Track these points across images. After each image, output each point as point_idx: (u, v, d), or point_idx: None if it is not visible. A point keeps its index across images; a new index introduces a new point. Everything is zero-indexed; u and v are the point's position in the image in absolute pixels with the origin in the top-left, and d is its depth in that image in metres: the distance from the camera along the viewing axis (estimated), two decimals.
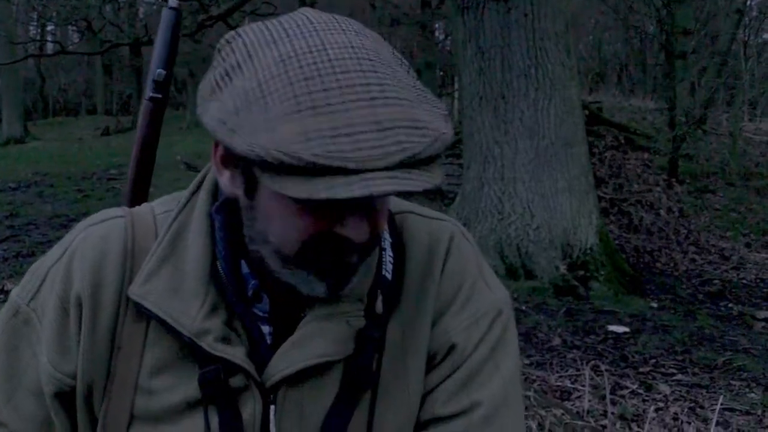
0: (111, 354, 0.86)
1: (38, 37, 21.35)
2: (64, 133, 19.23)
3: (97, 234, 0.88)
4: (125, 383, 0.85)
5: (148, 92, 1.15)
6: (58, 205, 8.10)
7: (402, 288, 0.89)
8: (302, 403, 0.84)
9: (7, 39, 14.91)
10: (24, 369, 0.88)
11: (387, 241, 0.90)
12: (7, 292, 4.77)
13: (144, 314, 0.85)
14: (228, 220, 0.83)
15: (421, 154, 0.68)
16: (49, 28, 22.64)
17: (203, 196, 0.88)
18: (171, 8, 1.17)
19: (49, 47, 20.60)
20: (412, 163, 0.67)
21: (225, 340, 0.83)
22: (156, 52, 1.16)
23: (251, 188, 0.78)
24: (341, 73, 0.69)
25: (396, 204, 0.96)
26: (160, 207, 0.92)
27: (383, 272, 0.88)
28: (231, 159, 0.78)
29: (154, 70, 1.14)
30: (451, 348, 0.88)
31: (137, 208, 0.93)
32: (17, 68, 17.12)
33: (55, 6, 11.68)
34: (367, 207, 0.76)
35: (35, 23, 21.08)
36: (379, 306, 0.86)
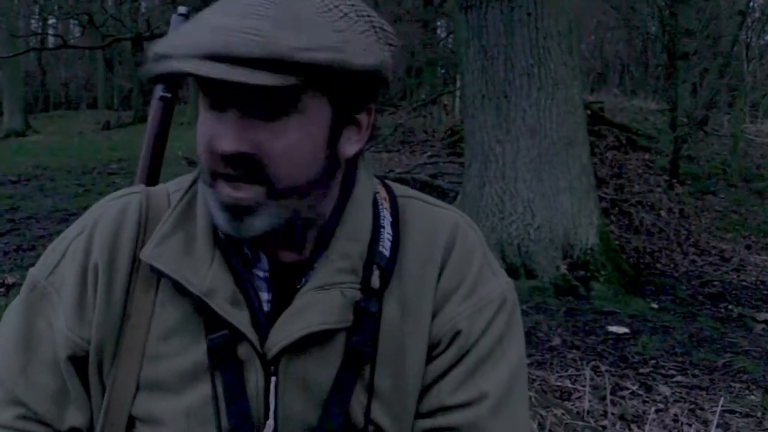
0: (122, 323, 0.88)
1: (40, 31, 21.29)
2: (65, 127, 19.22)
3: (116, 208, 0.92)
4: (133, 351, 0.87)
5: (158, 92, 1.19)
6: (59, 199, 8.10)
7: (401, 267, 0.89)
8: (305, 376, 0.85)
9: (9, 32, 14.90)
10: (39, 340, 0.90)
11: (387, 220, 0.91)
12: (8, 286, 4.76)
13: (153, 281, 0.88)
14: None
15: (231, 52, 0.71)
16: (50, 21, 22.59)
17: None
18: (180, 14, 1.22)
19: (51, 41, 20.58)
20: (223, 59, 0.71)
21: (233, 301, 0.84)
22: None
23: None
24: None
25: (400, 190, 0.97)
26: (174, 186, 0.97)
27: (380, 248, 0.88)
28: None
29: None
30: (456, 334, 0.89)
31: (152, 187, 0.98)
32: (19, 61, 17.12)
33: (57, 0, 11.65)
34: (242, 122, 0.78)
35: (37, 17, 21.05)
36: (375, 281, 0.87)
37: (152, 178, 1.19)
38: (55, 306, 0.90)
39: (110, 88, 27.00)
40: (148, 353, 0.87)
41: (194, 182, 0.93)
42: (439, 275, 0.90)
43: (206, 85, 0.78)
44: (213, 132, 0.79)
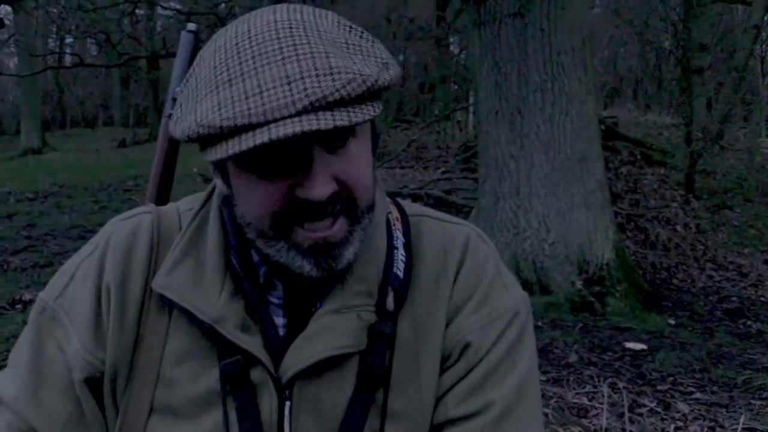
0: (135, 345, 0.87)
1: (57, 50, 21.59)
2: (82, 145, 19.41)
3: (127, 228, 0.92)
4: (146, 374, 0.87)
5: (168, 109, 1.21)
6: (75, 215, 8.16)
7: (414, 287, 0.89)
8: (319, 399, 0.84)
9: (27, 51, 15.10)
10: (50, 364, 0.88)
11: (399, 241, 0.91)
12: (24, 302, 4.79)
13: (166, 306, 0.87)
14: (231, 212, 0.87)
15: (329, 96, 0.71)
16: (67, 40, 22.89)
17: (218, 192, 0.92)
18: (189, 31, 1.24)
19: (68, 59, 20.83)
20: (321, 107, 0.71)
21: (244, 327, 0.84)
22: (175, 72, 1.22)
23: (224, 175, 0.84)
24: (257, 45, 0.74)
25: (412, 208, 0.98)
26: (185, 205, 0.96)
27: (394, 270, 0.88)
28: None
29: (174, 88, 1.19)
30: (466, 347, 0.88)
31: (163, 206, 0.97)
32: (36, 80, 17.34)
33: (74, 19, 11.82)
34: (322, 161, 0.77)
35: (54, 36, 21.33)
36: (390, 302, 0.86)
37: (163, 195, 1.20)
38: (66, 328, 0.88)
39: (126, 106, 27.29)
40: (162, 377, 0.86)
41: (206, 202, 0.92)
42: (452, 288, 0.90)
43: (274, 148, 0.75)
44: (281, 190, 0.77)
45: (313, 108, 0.70)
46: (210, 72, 0.76)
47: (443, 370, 0.89)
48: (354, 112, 0.72)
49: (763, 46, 17.26)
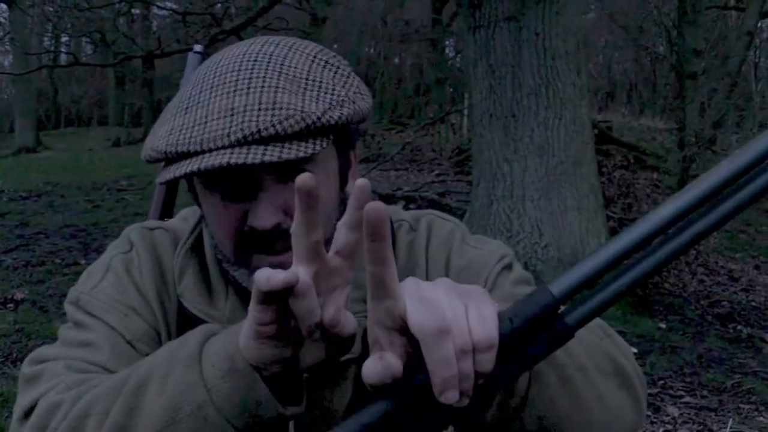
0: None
1: (52, 48, 21.53)
2: (76, 144, 19.36)
3: (151, 238, 0.95)
4: None
5: None
6: (69, 215, 8.13)
7: None
8: (321, 405, 0.87)
9: (22, 49, 15.07)
10: (113, 338, 0.86)
11: None
12: (16, 301, 4.77)
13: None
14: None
15: (263, 131, 0.73)
16: (63, 39, 22.84)
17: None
18: (197, 52, 1.28)
19: (63, 58, 20.79)
20: (255, 140, 0.73)
21: None
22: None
23: (195, 195, 0.88)
24: (219, 75, 0.78)
25: (394, 213, 1.00)
26: (190, 219, 0.99)
27: None
28: None
29: None
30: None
31: (170, 222, 1.01)
32: (31, 78, 17.28)
33: (69, 18, 11.80)
34: (271, 192, 0.79)
35: (50, 34, 21.29)
36: None
37: (168, 205, 1.22)
38: (106, 311, 0.87)
39: (121, 106, 27.22)
40: None
41: (203, 216, 0.93)
42: (426, 272, 0.93)
43: (230, 174, 0.77)
44: (236, 216, 0.80)
45: (246, 141, 0.73)
46: (181, 98, 0.80)
47: None
48: (289, 149, 0.74)
49: (757, 52, 17.33)
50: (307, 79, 0.78)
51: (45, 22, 17.90)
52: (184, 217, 1.00)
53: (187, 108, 0.77)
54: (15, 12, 16.01)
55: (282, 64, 0.78)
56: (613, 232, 6.57)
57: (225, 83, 0.76)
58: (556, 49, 5.20)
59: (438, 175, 9.88)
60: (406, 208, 7.82)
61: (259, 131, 0.73)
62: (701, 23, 11.13)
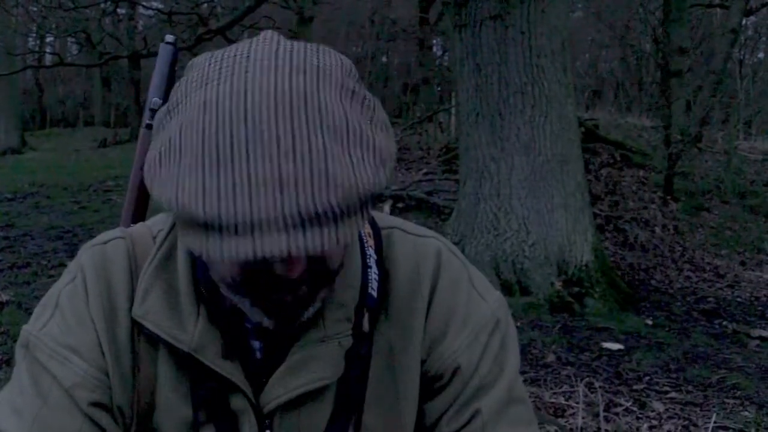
0: (133, 372, 0.86)
1: (37, 49, 21.36)
2: (62, 144, 19.23)
3: (101, 255, 0.89)
4: (142, 401, 0.86)
5: (146, 120, 1.21)
6: (55, 216, 8.08)
7: (388, 305, 0.90)
8: (299, 428, 0.85)
9: (6, 50, 14.94)
10: (48, 390, 0.84)
11: (372, 258, 0.90)
12: (2, 303, 4.75)
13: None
14: None
15: (322, 215, 0.65)
16: (48, 39, 22.67)
17: None
18: (168, 43, 1.24)
19: (48, 59, 20.64)
20: (310, 219, 0.65)
21: (224, 355, 0.84)
22: (153, 83, 1.22)
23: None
24: (251, 122, 0.66)
25: (382, 220, 0.97)
26: (157, 226, 0.93)
27: (369, 290, 0.88)
28: None
29: (152, 99, 1.20)
30: (457, 369, 0.89)
31: (134, 228, 0.95)
32: (16, 79, 17.16)
33: (54, 18, 11.72)
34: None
35: (34, 35, 21.13)
36: (365, 324, 0.87)
37: (140, 210, 1.19)
38: (57, 355, 0.85)
39: (107, 106, 27.05)
40: (157, 403, 0.86)
41: (174, 225, 0.88)
42: (428, 308, 0.90)
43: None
44: (264, 278, 0.74)
45: (302, 221, 0.65)
46: (197, 137, 0.67)
47: (436, 390, 0.91)
48: (343, 229, 0.67)
49: (741, 49, 17.47)
50: (347, 129, 0.69)
51: (29, 22, 17.76)
52: (154, 223, 0.94)
53: (218, 161, 0.66)
54: None
55: (320, 109, 0.68)
56: (600, 230, 6.62)
57: (264, 140, 0.65)
58: (542, 47, 5.22)
59: (426, 173, 9.89)
60: (393, 206, 7.81)
61: (317, 213, 0.65)
62: (686, 21, 11.21)
